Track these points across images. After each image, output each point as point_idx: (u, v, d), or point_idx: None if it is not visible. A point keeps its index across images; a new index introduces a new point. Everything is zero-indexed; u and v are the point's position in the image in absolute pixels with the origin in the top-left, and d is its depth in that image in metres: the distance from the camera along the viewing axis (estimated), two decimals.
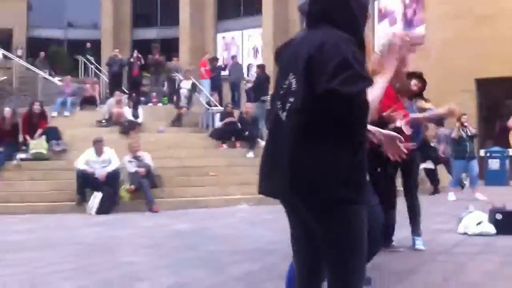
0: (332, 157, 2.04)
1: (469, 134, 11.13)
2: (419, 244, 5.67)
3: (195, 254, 5.77)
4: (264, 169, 2.24)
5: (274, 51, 2.50)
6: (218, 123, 14.21)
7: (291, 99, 2.11)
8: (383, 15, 23.60)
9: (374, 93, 2.16)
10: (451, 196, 11.09)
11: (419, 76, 5.89)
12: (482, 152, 16.62)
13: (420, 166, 9.19)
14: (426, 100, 6.22)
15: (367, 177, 2.28)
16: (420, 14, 21.19)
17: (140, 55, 17.52)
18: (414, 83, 5.79)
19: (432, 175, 12.99)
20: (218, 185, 11.11)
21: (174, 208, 10.04)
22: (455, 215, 7.30)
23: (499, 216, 6.60)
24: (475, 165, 11.31)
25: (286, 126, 2.12)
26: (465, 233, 6.55)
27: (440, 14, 18.78)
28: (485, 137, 17.47)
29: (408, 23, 22.13)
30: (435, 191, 12.71)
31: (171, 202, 10.40)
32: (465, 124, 11.01)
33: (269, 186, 2.22)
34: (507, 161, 14.59)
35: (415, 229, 5.76)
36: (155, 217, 9.20)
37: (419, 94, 5.94)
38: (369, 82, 2.07)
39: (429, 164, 12.88)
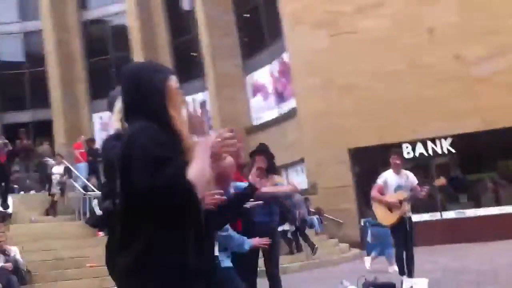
0: (161, 249, 2.07)
1: None
2: None
3: None
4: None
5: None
6: (98, 210, 13.63)
7: (116, 201, 2.25)
8: (256, 89, 24.48)
9: (194, 170, 2.09)
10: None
11: (262, 151, 6.06)
12: (362, 222, 17.18)
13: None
14: (277, 174, 6.36)
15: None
16: (289, 87, 22.13)
17: (7, 141, 16.55)
18: (258, 159, 5.89)
19: (295, 237, 13.09)
20: (97, 276, 10.53)
21: None
22: None
23: None
24: None
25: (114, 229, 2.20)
26: None
27: (307, 86, 19.67)
28: (365, 206, 17.91)
29: (280, 96, 23.04)
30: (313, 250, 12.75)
31: None
32: None
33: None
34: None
35: None
36: None
37: (270, 169, 6.02)
38: (177, 162, 2.06)
39: (287, 227, 12.86)
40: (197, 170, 2.07)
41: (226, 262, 4.41)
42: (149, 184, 1.97)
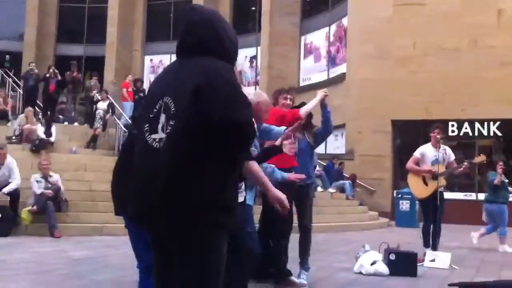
0: (206, 181, 2.10)
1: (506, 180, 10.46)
2: (303, 278, 5.72)
3: (78, 283, 5.59)
4: (135, 192, 2.22)
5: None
6: None
7: (172, 122, 2.13)
8: (309, 51, 24.21)
9: None
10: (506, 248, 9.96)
11: (301, 107, 5.96)
12: (394, 193, 17.19)
13: None
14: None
15: (238, 202, 2.35)
16: (343, 52, 21.85)
17: (57, 71, 16.96)
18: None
19: None
20: None
21: (79, 234, 9.67)
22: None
23: (392, 257, 6.73)
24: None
25: (159, 149, 2.13)
26: (360, 272, 6.64)
27: (361, 53, 19.44)
28: (399, 178, 18.05)
29: (332, 61, 22.79)
30: None
31: (76, 227, 10.01)
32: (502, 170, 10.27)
33: (138, 209, 2.21)
34: (417, 203, 15.06)
35: (303, 262, 5.85)
36: (55, 243, 8.79)
37: (306, 126, 5.93)
38: (251, 113, 2.19)
39: None
40: None
41: (249, 200, 4.45)
42: (233, 118, 2.06)
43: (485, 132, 17.90)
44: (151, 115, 2.21)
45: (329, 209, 14.01)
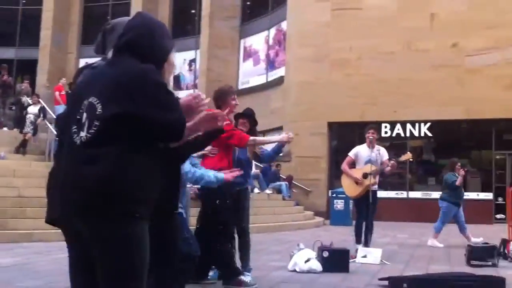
0: (123, 171, 2.11)
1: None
2: (249, 278, 5.71)
3: None
4: (53, 196, 2.24)
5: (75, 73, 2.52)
6: None
7: (97, 123, 2.13)
8: (248, 54, 24.32)
9: None
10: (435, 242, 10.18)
11: (247, 115, 6.00)
12: (329, 193, 17.52)
13: None
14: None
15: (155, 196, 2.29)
16: (281, 56, 22.08)
17: None
18: (241, 122, 5.90)
19: None
20: None
21: (7, 241, 9.26)
22: None
23: (326, 254, 6.82)
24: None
25: (81, 148, 2.13)
26: (294, 270, 6.69)
27: (299, 57, 19.70)
28: (335, 178, 18.41)
29: (271, 64, 22.98)
30: None
31: (4, 234, 9.57)
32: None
33: (53, 213, 2.21)
34: (351, 202, 15.35)
35: (245, 265, 5.87)
36: None
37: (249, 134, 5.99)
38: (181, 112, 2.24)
39: None
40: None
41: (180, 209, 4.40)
42: (161, 120, 2.13)
43: (416, 133, 18.50)
44: (78, 116, 2.19)
45: (266, 210, 14.10)
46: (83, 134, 2.15)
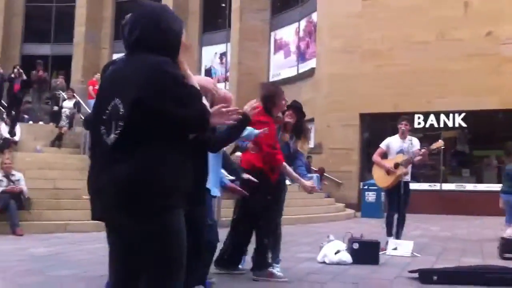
0: (163, 174, 2.16)
1: None
2: (278, 269, 5.75)
3: (39, 279, 5.49)
4: (95, 194, 2.27)
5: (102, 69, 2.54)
6: None
7: (121, 123, 2.17)
8: (279, 47, 24.27)
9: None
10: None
11: (295, 107, 5.94)
12: (360, 185, 17.39)
13: None
14: (303, 142, 6.19)
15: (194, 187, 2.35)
16: (312, 47, 21.97)
17: (21, 71, 16.69)
18: (288, 114, 5.80)
19: None
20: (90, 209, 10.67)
21: (42, 232, 9.51)
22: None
23: (356, 246, 6.80)
24: None
25: (113, 148, 2.18)
26: (323, 262, 6.68)
27: (330, 48, 19.58)
28: (366, 171, 18.28)
29: (301, 56, 22.89)
30: None
31: (39, 225, 9.84)
32: None
33: (99, 209, 2.26)
34: (382, 194, 15.22)
35: (274, 256, 5.87)
36: (17, 241, 8.65)
37: (296, 129, 5.93)
38: (201, 98, 2.27)
39: None
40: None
41: (213, 191, 4.46)
42: (182, 114, 2.14)
43: (450, 124, 18.19)
44: (104, 117, 2.24)
45: (296, 201, 14.06)
46: (111, 135, 2.20)
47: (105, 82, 2.42)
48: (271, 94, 5.49)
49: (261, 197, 5.40)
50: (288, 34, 23.83)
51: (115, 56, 27.10)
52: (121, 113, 2.19)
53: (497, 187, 17.15)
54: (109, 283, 2.54)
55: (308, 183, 5.79)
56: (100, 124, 2.26)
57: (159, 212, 2.18)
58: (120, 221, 2.27)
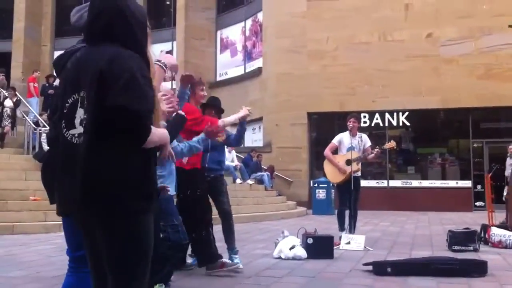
0: (122, 168, 2.09)
1: None
2: (237, 259, 5.91)
3: None
4: (60, 189, 2.22)
5: (52, 63, 2.45)
6: (45, 146, 13.35)
7: (85, 116, 2.11)
8: (225, 46, 24.25)
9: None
10: None
11: (213, 105, 6.10)
12: (311, 183, 17.64)
13: None
14: None
15: (156, 187, 2.34)
16: (259, 47, 22.08)
17: None
18: (208, 112, 6.00)
19: None
20: (38, 210, 10.37)
21: None
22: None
23: (310, 241, 6.90)
24: None
25: (78, 144, 2.12)
26: (279, 257, 6.75)
27: (276, 48, 19.74)
28: (316, 169, 18.60)
29: (248, 55, 22.95)
30: None
31: None
32: None
33: (63, 205, 2.21)
34: (332, 191, 15.53)
35: (231, 247, 6.01)
36: None
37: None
38: (151, 104, 2.15)
39: None
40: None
41: (171, 190, 4.42)
42: (129, 107, 2.04)
43: (394, 123, 18.72)
44: (65, 110, 2.18)
45: (248, 200, 14.17)
46: (75, 131, 2.14)
47: (65, 75, 2.34)
48: (191, 82, 5.63)
49: (192, 193, 5.46)
50: (234, 33, 23.86)
51: (57, 54, 26.26)
52: (85, 104, 2.12)
53: (440, 183, 17.88)
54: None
55: (241, 112, 5.86)
56: (61, 118, 2.20)
57: (123, 213, 2.12)
58: (84, 220, 2.23)
